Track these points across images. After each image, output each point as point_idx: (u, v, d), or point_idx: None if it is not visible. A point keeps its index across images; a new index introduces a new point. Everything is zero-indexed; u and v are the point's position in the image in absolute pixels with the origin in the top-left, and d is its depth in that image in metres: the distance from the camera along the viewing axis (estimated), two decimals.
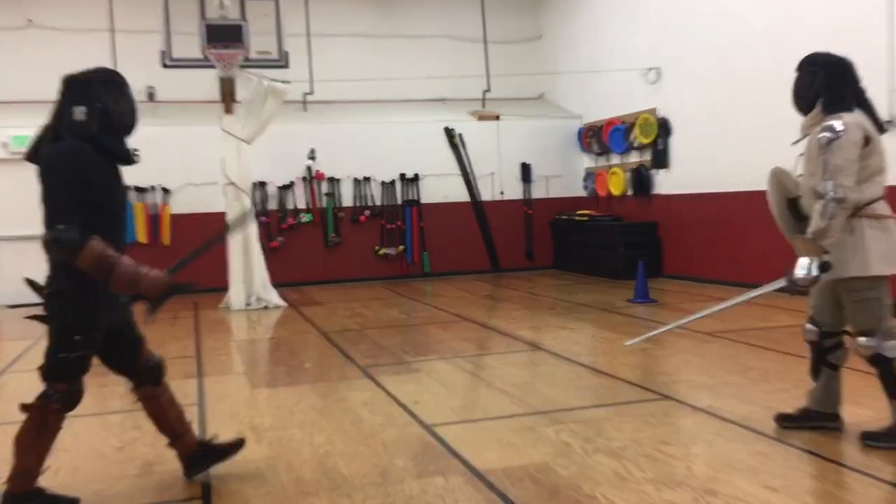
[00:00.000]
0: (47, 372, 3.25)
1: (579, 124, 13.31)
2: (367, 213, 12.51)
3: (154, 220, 11.45)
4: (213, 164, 10.09)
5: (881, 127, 3.80)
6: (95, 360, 3.40)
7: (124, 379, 3.61)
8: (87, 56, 11.28)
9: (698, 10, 10.33)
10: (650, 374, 5.65)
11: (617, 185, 12.25)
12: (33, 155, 3.27)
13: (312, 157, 12.06)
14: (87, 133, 3.20)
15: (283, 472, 3.72)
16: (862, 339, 3.74)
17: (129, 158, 3.40)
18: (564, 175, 13.38)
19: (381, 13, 13.67)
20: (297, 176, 12.14)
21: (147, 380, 3.56)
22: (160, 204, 11.50)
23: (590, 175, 13.07)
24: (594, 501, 3.21)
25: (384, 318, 8.70)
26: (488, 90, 13.48)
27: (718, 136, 9.99)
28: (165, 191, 11.40)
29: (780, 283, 3.84)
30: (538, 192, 13.30)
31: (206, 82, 10.09)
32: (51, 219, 3.09)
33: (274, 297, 9.97)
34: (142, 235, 11.33)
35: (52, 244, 3.05)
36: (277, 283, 10.25)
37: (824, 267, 3.61)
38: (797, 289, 3.75)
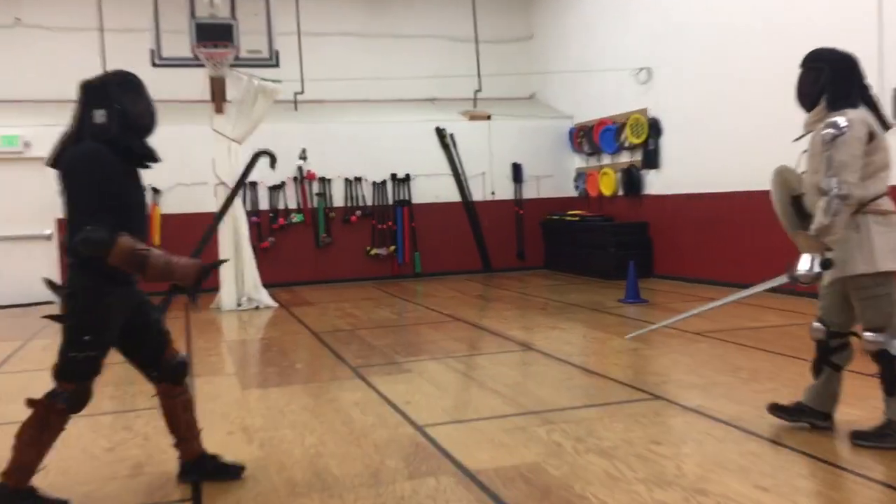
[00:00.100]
0: (58, 371, 3.27)
1: (570, 124, 13.33)
2: (358, 213, 12.50)
3: None
4: (203, 163, 10.07)
5: (886, 123, 3.78)
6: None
7: (143, 377, 3.61)
8: (76, 55, 11.42)
9: (689, 11, 10.36)
10: (641, 374, 5.66)
11: (608, 185, 12.27)
12: (55, 161, 3.31)
13: (304, 158, 12.03)
14: (107, 135, 3.25)
15: (274, 473, 3.71)
16: (869, 335, 3.71)
17: (151, 156, 3.45)
18: (555, 175, 13.40)
19: (372, 12, 13.66)
20: (289, 176, 12.11)
21: (168, 377, 3.57)
22: (150, 204, 11.46)
23: (581, 175, 13.09)
24: (585, 501, 3.21)
25: (375, 319, 8.69)
26: (479, 90, 13.49)
27: (709, 136, 10.02)
28: (155, 191, 11.35)
29: (782, 279, 3.82)
30: (529, 192, 13.31)
31: (196, 82, 10.05)
32: (77, 221, 3.13)
33: (265, 297, 9.94)
34: None
35: (83, 245, 3.08)
36: (268, 284, 10.23)
37: (826, 264, 3.59)
38: (798, 285, 3.73)
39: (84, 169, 3.19)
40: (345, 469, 3.72)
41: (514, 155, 13.21)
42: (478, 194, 13.07)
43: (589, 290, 10.33)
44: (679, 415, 4.44)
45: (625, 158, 11.95)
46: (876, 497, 3.23)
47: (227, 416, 4.79)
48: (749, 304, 7.21)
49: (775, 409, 4.08)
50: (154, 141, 3.46)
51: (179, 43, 9.73)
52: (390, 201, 12.70)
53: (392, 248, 12.63)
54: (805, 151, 3.85)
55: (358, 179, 12.54)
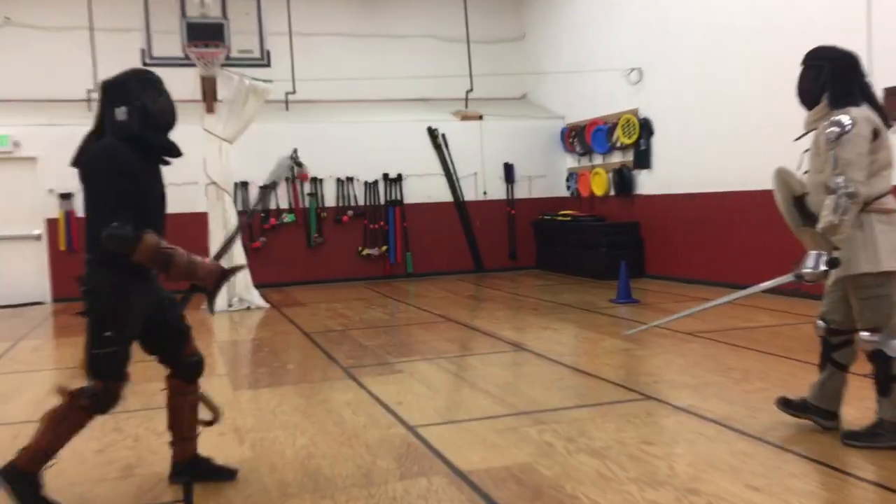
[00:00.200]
0: (87, 368, 3.29)
1: (562, 124, 13.35)
2: (350, 213, 12.48)
3: None
4: (194, 163, 10.01)
5: (887, 121, 3.76)
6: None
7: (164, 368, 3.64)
8: (67, 54, 11.37)
9: (680, 11, 10.39)
10: (632, 374, 5.67)
11: (599, 185, 12.29)
12: (76, 160, 3.33)
13: (294, 158, 11.96)
14: (129, 131, 3.28)
15: (265, 474, 3.70)
16: (865, 334, 3.71)
17: (174, 150, 3.49)
18: (547, 175, 13.42)
19: (363, 12, 13.65)
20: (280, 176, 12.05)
21: (181, 374, 3.58)
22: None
23: (572, 175, 13.11)
24: (577, 501, 3.21)
25: (367, 319, 8.67)
26: (471, 90, 13.48)
27: (700, 136, 10.05)
28: None
29: (788, 277, 3.80)
30: (521, 192, 13.32)
31: (187, 81, 9.99)
32: (99, 218, 3.15)
33: (256, 297, 9.92)
34: None
35: (109, 241, 3.09)
36: (260, 284, 10.20)
37: (833, 262, 3.57)
38: (804, 284, 3.71)
39: (103, 167, 3.21)
40: (336, 470, 3.71)
41: (505, 155, 13.22)
42: (469, 194, 13.07)
43: (580, 290, 10.34)
44: (671, 415, 4.45)
45: (616, 158, 11.97)
46: (867, 497, 3.24)
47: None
48: (742, 305, 7.23)
49: (782, 402, 4.08)
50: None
51: (170, 42, 9.69)
52: (382, 201, 12.69)
53: (384, 248, 12.61)
54: (807, 150, 3.83)
55: (350, 179, 12.52)
